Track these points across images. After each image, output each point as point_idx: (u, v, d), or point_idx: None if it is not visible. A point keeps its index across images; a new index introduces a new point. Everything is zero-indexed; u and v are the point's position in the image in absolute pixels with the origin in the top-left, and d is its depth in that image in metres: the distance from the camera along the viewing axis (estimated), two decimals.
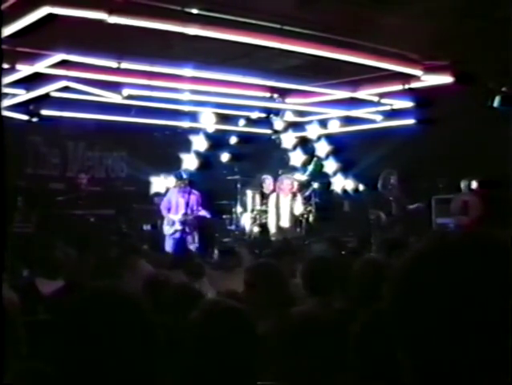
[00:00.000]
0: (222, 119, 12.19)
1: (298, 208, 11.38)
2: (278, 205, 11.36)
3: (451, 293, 0.96)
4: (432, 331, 0.97)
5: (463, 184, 11.20)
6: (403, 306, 1.01)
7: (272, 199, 11.52)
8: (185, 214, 10.91)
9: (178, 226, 10.91)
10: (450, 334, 0.95)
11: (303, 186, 12.37)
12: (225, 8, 6.75)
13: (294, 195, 11.46)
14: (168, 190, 12.01)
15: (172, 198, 11.21)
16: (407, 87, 9.58)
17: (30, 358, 2.54)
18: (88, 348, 1.67)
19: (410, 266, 1.04)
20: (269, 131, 13.27)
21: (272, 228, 11.39)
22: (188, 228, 10.89)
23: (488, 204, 10.54)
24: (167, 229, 11.05)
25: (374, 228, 11.62)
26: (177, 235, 10.89)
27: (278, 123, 12.90)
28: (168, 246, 10.69)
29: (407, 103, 10.82)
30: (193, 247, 10.47)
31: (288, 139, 13.43)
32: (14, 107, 10.07)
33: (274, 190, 11.72)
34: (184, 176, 11.34)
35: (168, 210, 11.12)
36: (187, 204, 10.96)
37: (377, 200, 12.28)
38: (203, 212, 11.16)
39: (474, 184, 11.19)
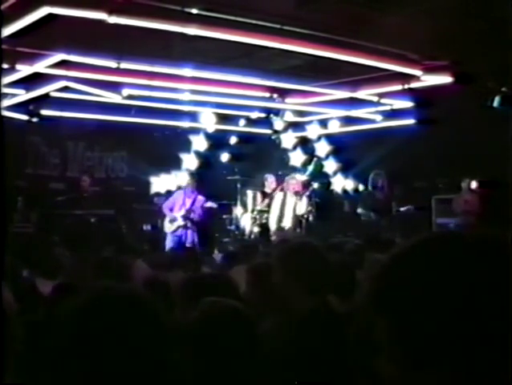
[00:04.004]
0: (222, 119, 12.19)
1: (302, 208, 11.34)
2: (283, 205, 11.35)
3: (435, 291, 0.95)
4: (420, 332, 0.95)
5: (463, 184, 11.23)
6: (386, 305, 1.00)
7: (278, 198, 11.49)
8: (189, 210, 10.76)
9: (181, 222, 10.79)
10: (442, 337, 0.94)
11: (305, 186, 12.37)
12: (225, 8, 6.75)
13: (300, 195, 11.42)
14: (168, 191, 11.95)
15: (179, 198, 11.05)
16: (407, 87, 9.57)
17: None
18: (103, 347, 1.68)
19: (393, 263, 1.03)
20: (269, 131, 13.27)
21: (273, 228, 11.37)
22: (191, 222, 10.81)
23: (487, 203, 10.55)
24: (168, 227, 10.91)
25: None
26: (179, 232, 10.76)
27: (278, 123, 12.89)
28: (169, 244, 10.58)
29: (407, 103, 10.82)
30: (192, 245, 10.42)
31: (288, 139, 13.42)
32: (14, 107, 10.07)
33: (276, 189, 11.70)
34: (196, 176, 11.35)
35: (171, 210, 11.02)
36: (193, 203, 10.84)
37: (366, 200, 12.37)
38: (209, 204, 11.01)
39: (474, 184, 11.20)
